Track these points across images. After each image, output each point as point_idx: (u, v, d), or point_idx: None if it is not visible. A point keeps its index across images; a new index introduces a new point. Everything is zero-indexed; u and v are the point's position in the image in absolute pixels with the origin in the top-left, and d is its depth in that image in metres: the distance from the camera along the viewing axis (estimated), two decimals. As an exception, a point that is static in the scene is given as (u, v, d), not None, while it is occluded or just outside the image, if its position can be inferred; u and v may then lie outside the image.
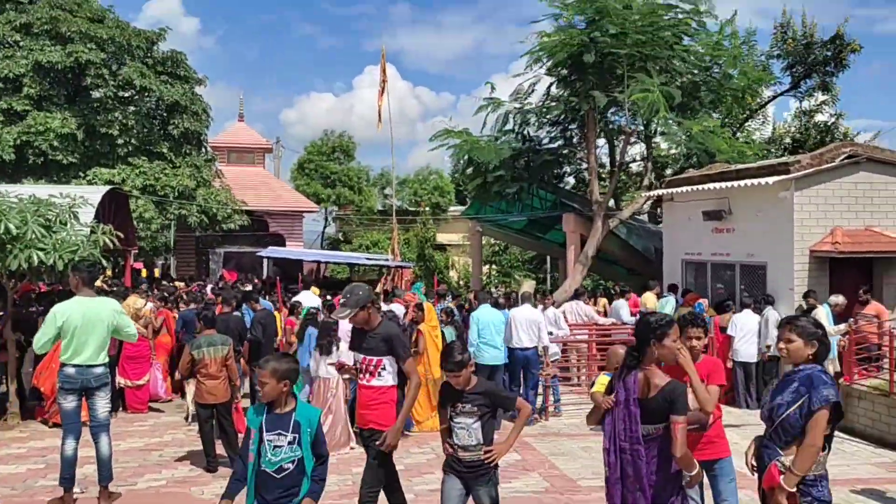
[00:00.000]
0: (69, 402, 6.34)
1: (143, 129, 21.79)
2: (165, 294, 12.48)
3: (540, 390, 10.70)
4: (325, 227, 39.34)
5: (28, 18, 20.76)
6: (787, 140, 23.77)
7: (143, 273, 21.26)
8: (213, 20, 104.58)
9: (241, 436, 8.11)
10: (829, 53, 21.77)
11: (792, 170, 11.58)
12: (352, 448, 8.51)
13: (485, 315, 9.96)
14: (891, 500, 7.13)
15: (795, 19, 22.64)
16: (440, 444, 4.86)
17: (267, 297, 13.86)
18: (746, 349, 11.35)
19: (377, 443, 5.06)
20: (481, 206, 21.40)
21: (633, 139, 18.49)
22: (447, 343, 4.96)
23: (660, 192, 15.41)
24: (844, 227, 11.55)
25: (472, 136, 18.15)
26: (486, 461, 4.53)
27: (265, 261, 26.06)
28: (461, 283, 31.02)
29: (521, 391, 10.28)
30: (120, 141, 20.89)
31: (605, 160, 20.57)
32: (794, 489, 3.65)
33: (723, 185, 12.82)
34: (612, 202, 18.99)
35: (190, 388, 8.91)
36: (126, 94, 21.87)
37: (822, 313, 10.49)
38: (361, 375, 5.27)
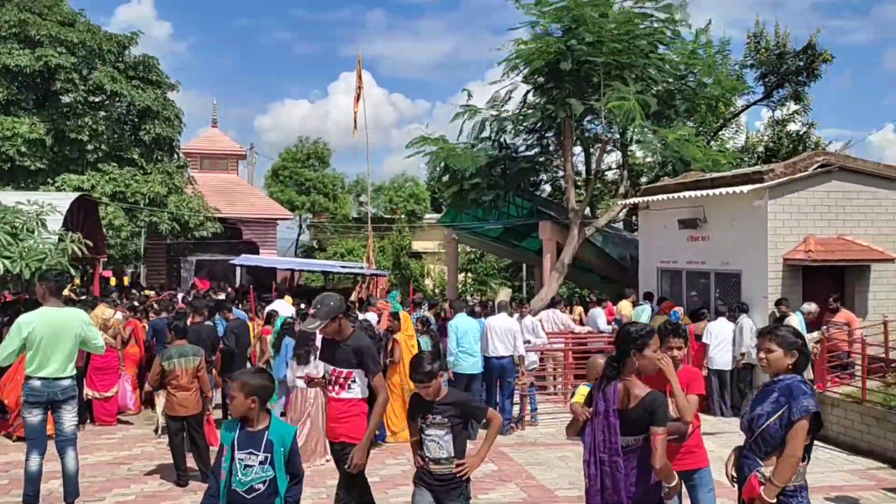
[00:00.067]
0: (34, 416, 6.14)
1: (113, 134, 21.44)
2: (135, 304, 12.24)
3: (517, 399, 10.67)
4: (299, 235, 39.05)
5: (-5, 21, 20.37)
6: (760, 149, 24.08)
7: (113, 282, 20.87)
8: (186, 25, 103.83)
9: (212, 449, 8.00)
10: (801, 63, 22.10)
11: (766, 178, 11.68)
12: (327, 460, 8.37)
13: (463, 323, 9.96)
14: (864, 507, 7.18)
15: (769, 29, 23.01)
16: None
17: (240, 306, 13.67)
18: (721, 357, 11.42)
19: (346, 466, 4.93)
20: (457, 213, 21.37)
21: (608, 147, 18.58)
22: (416, 353, 4.86)
23: (636, 200, 15.49)
24: (817, 236, 11.68)
25: (448, 144, 18.12)
26: (458, 475, 4.43)
27: (238, 269, 25.78)
28: (437, 291, 30.94)
29: (498, 400, 10.25)
30: (90, 147, 20.53)
31: (581, 168, 20.66)
32: (775, 500, 3.63)
33: (698, 193, 12.91)
34: (588, 210, 19.05)
35: (160, 400, 8.74)
36: (96, 99, 21.51)
37: (796, 321, 10.59)
38: (331, 387, 5.13)
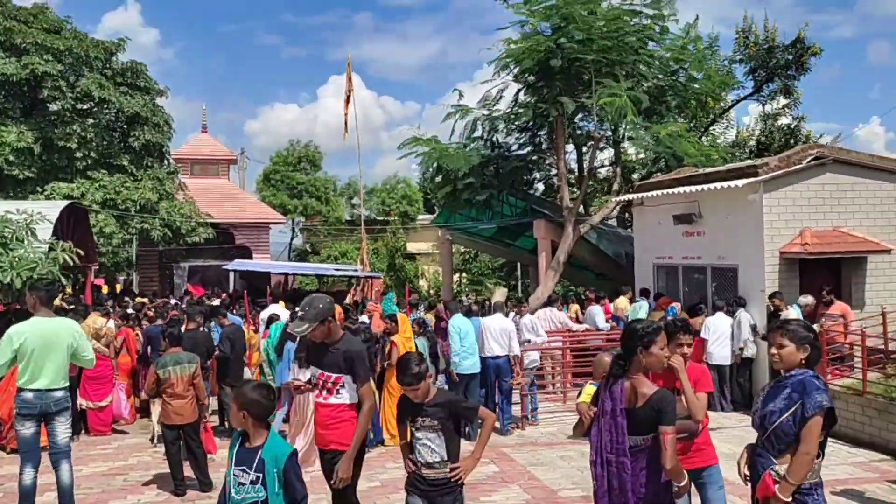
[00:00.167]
0: (27, 429, 6.02)
1: (102, 141, 21.25)
2: (128, 311, 12.11)
3: (516, 399, 10.60)
4: (292, 239, 38.92)
5: (-20, 30, 20.16)
6: (752, 143, 24.08)
7: (105, 290, 20.71)
8: (174, 31, 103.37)
9: (210, 457, 7.89)
10: (790, 57, 22.11)
11: (760, 172, 11.64)
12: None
13: (464, 324, 9.98)
14: (870, 500, 7.14)
15: (757, 24, 23.01)
16: None
17: (234, 311, 13.55)
18: (720, 352, 11.38)
19: (331, 482, 4.71)
20: (451, 214, 21.29)
21: (601, 144, 18.55)
22: (402, 355, 4.73)
23: (630, 196, 15.44)
24: (813, 228, 11.65)
25: (440, 144, 18.05)
26: (452, 479, 4.30)
27: (231, 274, 25.60)
28: (431, 292, 30.85)
29: (497, 400, 10.20)
30: (78, 154, 20.34)
31: (574, 166, 20.62)
32: (790, 499, 3.55)
33: (692, 188, 12.86)
34: (581, 208, 19.02)
35: (156, 409, 8.61)
36: (84, 107, 21.32)
37: (794, 314, 10.53)
38: (318, 392, 4.89)
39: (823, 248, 11.42)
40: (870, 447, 8.95)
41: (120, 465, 8.58)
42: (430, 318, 12.34)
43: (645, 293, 13.90)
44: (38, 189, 19.80)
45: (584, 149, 19.94)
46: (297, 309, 11.72)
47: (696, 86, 17.67)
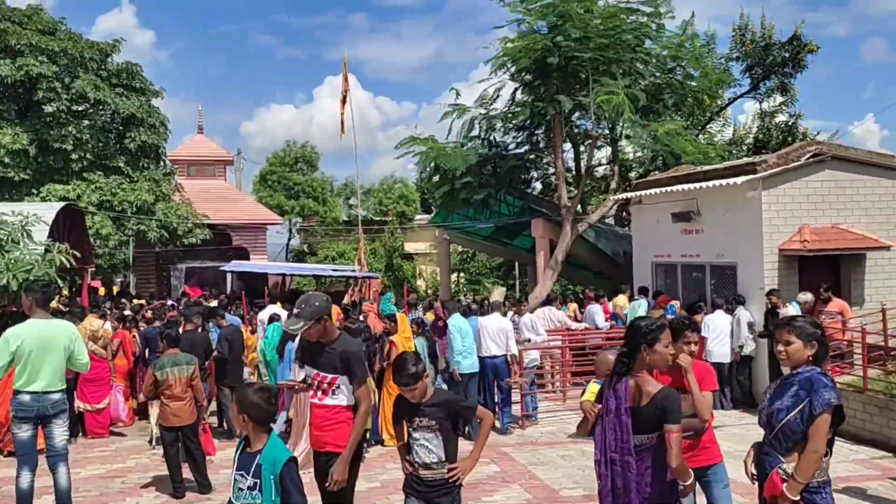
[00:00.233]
0: (24, 432, 5.96)
1: (98, 143, 21.17)
2: (125, 313, 12.04)
3: (516, 398, 10.57)
4: (289, 240, 38.84)
5: (-26, 31, 20.06)
6: (750, 140, 24.07)
7: (102, 292, 20.62)
8: (169, 33, 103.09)
9: (209, 458, 7.84)
10: (787, 55, 22.10)
11: (759, 169, 11.61)
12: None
13: (464, 323, 9.99)
14: (873, 497, 7.10)
15: (754, 22, 23.01)
16: None
17: (231, 311, 13.47)
18: (719, 350, 11.34)
19: (326, 484, 4.57)
20: (448, 213, 21.26)
21: (598, 143, 18.54)
22: (398, 355, 4.66)
23: (629, 194, 15.42)
24: (812, 225, 11.62)
25: (438, 143, 18.01)
26: (450, 479, 4.22)
27: (229, 275, 25.53)
28: (429, 292, 30.81)
29: (497, 400, 10.17)
30: (74, 156, 20.26)
31: (571, 165, 20.61)
32: (798, 497, 3.51)
33: (691, 186, 12.83)
34: (578, 206, 19.00)
35: (154, 410, 8.56)
36: (80, 108, 21.24)
37: (793, 312, 10.51)
38: (313, 393, 4.76)
39: (823, 245, 11.40)
40: (870, 444, 8.92)
41: (118, 467, 8.52)
42: (429, 318, 12.31)
43: (644, 291, 13.87)
44: (34, 191, 19.73)
45: (582, 148, 19.93)
46: (294, 310, 11.64)
47: (693, 83, 17.65)
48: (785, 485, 3.54)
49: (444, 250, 24.05)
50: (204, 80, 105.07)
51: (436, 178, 18.68)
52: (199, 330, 9.67)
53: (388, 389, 9.13)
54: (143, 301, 17.48)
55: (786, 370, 3.62)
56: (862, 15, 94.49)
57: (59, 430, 6.09)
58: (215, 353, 9.59)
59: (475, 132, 18.57)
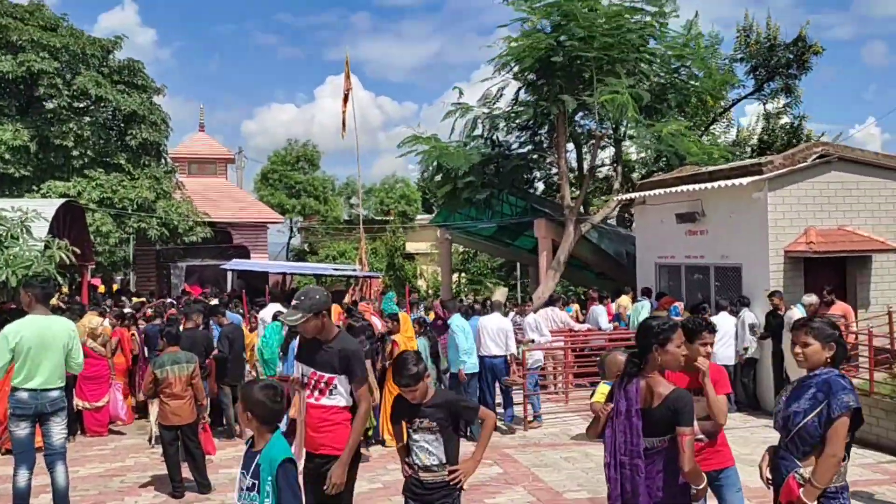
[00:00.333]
0: (22, 430, 5.88)
1: (99, 140, 21.06)
2: (124, 311, 11.95)
3: (518, 399, 10.49)
4: (290, 238, 38.75)
5: (-25, 27, 19.97)
6: (754, 141, 23.99)
7: (101, 289, 20.53)
8: (171, 31, 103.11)
9: (208, 458, 7.76)
10: (791, 56, 22.01)
11: (765, 170, 11.52)
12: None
13: (466, 323, 9.98)
14: (880, 502, 7.03)
15: (759, 23, 22.92)
16: None
17: (231, 309, 13.38)
18: (724, 352, 11.24)
19: (324, 487, 4.34)
20: (450, 213, 21.17)
21: (602, 143, 18.45)
22: (398, 354, 4.50)
23: (633, 195, 15.32)
24: (818, 227, 11.54)
25: (440, 143, 17.92)
26: (451, 482, 4.10)
27: (229, 274, 25.43)
28: (430, 292, 30.72)
29: (500, 401, 10.11)
30: (75, 153, 20.14)
31: (574, 165, 20.51)
32: (815, 503, 3.42)
33: (695, 186, 12.75)
34: (581, 207, 18.92)
35: (153, 409, 8.48)
36: (81, 105, 21.12)
37: (798, 314, 10.41)
38: (309, 392, 4.55)
39: (828, 246, 11.31)
40: (876, 448, 8.84)
41: (117, 466, 8.44)
42: (430, 318, 12.25)
43: (647, 293, 13.78)
44: (35, 188, 19.62)
45: (585, 148, 19.86)
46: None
47: (697, 84, 17.56)
48: (802, 490, 3.45)
49: (445, 250, 23.96)
50: (205, 78, 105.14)
51: (438, 178, 18.59)
52: (200, 328, 9.59)
53: (389, 389, 9.04)
54: (143, 299, 17.40)
55: (792, 373, 3.53)
56: (863, 17, 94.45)
57: (58, 428, 6.00)
58: (216, 352, 9.50)
59: (478, 131, 18.49)
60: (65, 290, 15.85)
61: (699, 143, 17.36)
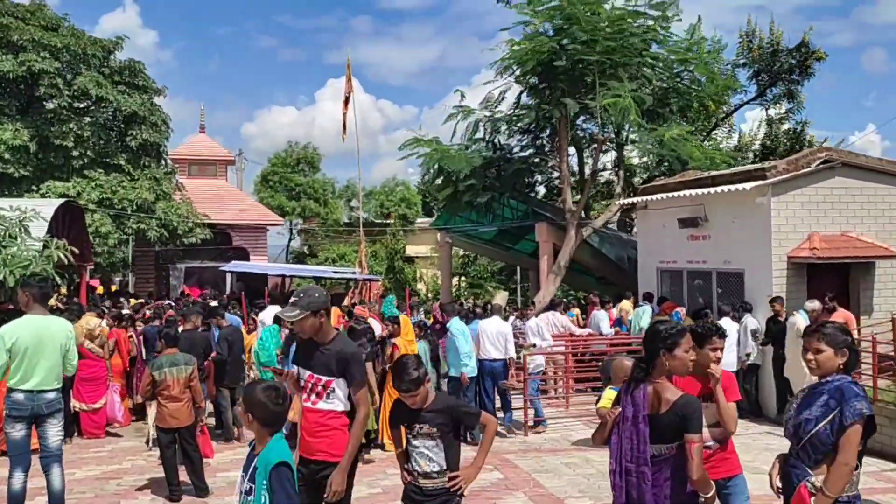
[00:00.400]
0: (17, 431, 5.80)
1: (99, 140, 21.01)
2: (122, 313, 11.88)
3: (519, 404, 10.42)
4: (290, 241, 38.68)
5: (-24, 26, 19.93)
6: (756, 146, 23.94)
7: (100, 290, 20.46)
8: (172, 33, 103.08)
9: (206, 461, 7.67)
10: (794, 61, 21.97)
11: (769, 175, 11.47)
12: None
13: (465, 326, 9.92)
14: (885, 510, 6.95)
15: (762, 28, 22.90)
16: None
17: (231, 311, 13.32)
18: (726, 358, 10.95)
19: (324, 495, 4.20)
20: (451, 216, 21.12)
21: (604, 147, 18.40)
22: (398, 358, 4.37)
23: (635, 199, 15.26)
24: (821, 233, 11.47)
25: (442, 145, 17.87)
26: (451, 489, 4.00)
27: (228, 275, 25.38)
28: (430, 295, 30.65)
29: (500, 405, 10.04)
30: (75, 153, 20.10)
31: (575, 169, 20.46)
32: (827, 512, 3.35)
33: (698, 191, 12.69)
34: (582, 211, 18.86)
35: (151, 411, 8.40)
36: (81, 105, 21.08)
37: (801, 320, 10.33)
38: (306, 396, 4.42)
39: (832, 252, 11.25)
40: (880, 456, 8.77)
41: (114, 468, 8.35)
42: (430, 321, 12.18)
43: (648, 297, 13.71)
44: (34, 188, 19.57)
45: (587, 152, 19.80)
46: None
47: (699, 88, 17.50)
48: (813, 499, 3.37)
49: (445, 253, 23.90)
50: (206, 80, 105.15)
51: (439, 181, 18.54)
52: (200, 329, 9.51)
53: (389, 392, 8.97)
54: (142, 300, 17.33)
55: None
56: (863, 24, 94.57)
57: (54, 430, 5.92)
58: (214, 354, 9.43)
59: (479, 134, 18.45)
60: (63, 290, 15.78)
61: (702, 147, 17.31)
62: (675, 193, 13.39)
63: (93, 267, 18.61)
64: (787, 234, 11.46)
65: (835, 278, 11.60)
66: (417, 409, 4.05)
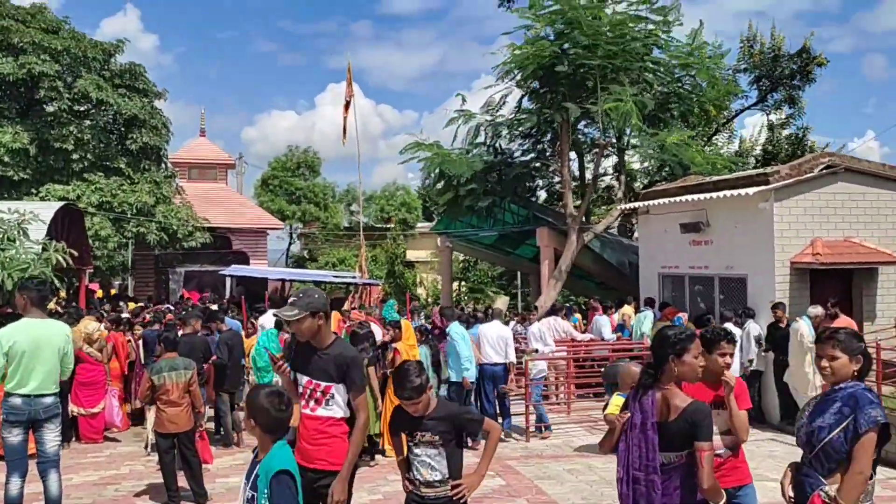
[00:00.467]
0: (14, 436, 5.72)
1: (99, 143, 20.97)
2: (121, 316, 11.81)
3: (521, 409, 10.35)
4: (289, 245, 38.61)
5: (-24, 29, 19.90)
6: (757, 152, 23.92)
7: (99, 294, 20.38)
8: (173, 37, 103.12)
9: (205, 467, 7.59)
10: (795, 66, 21.96)
11: (771, 180, 11.42)
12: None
13: (465, 331, 9.87)
14: (890, 519, 6.87)
15: (764, 33, 22.91)
16: None
17: (231, 315, 13.25)
18: (729, 364, 11.10)
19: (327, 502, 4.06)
20: (451, 221, 21.05)
21: (606, 152, 18.35)
22: (399, 364, 4.29)
23: (637, 204, 15.21)
24: (824, 238, 11.42)
25: (443, 149, 17.82)
26: (454, 497, 3.93)
27: (228, 280, 25.32)
28: (430, 300, 30.59)
29: (498, 409, 9.98)
30: (75, 156, 20.06)
31: (577, 174, 20.43)
32: (841, 522, 3.28)
33: (700, 196, 12.64)
34: (583, 216, 18.81)
35: (150, 416, 8.32)
36: (81, 108, 21.05)
37: (805, 326, 10.27)
38: (304, 403, 4.29)
39: (835, 258, 11.20)
40: (885, 464, 8.67)
41: (112, 474, 8.27)
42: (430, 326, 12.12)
43: (650, 303, 13.65)
44: (33, 191, 19.52)
45: (588, 157, 19.75)
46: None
47: (701, 93, 17.47)
48: (827, 508, 3.31)
49: (445, 258, 23.84)
50: (206, 84, 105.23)
51: (440, 185, 18.48)
52: (199, 333, 9.44)
53: (390, 398, 8.89)
54: (141, 304, 17.26)
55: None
56: (862, 31, 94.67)
57: (51, 435, 5.85)
58: (214, 358, 9.36)
59: (481, 139, 18.40)
60: (62, 294, 15.71)
61: (703, 152, 17.26)
62: (677, 198, 13.35)
63: (92, 270, 18.54)
64: (789, 239, 11.41)
65: (837, 284, 11.54)
66: (419, 416, 3.97)
